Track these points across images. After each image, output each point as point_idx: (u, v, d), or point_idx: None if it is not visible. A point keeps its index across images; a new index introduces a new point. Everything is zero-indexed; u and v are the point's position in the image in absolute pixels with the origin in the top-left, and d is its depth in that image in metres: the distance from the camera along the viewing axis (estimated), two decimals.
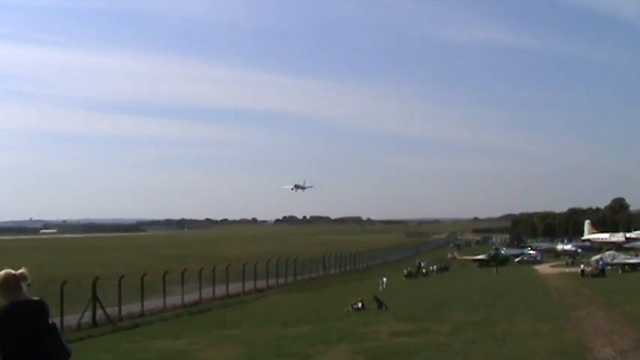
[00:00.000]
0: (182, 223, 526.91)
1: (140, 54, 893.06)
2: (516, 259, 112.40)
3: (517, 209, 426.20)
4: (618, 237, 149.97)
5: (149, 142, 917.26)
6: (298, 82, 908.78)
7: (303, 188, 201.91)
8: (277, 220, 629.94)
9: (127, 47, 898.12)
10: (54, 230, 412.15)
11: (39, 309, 9.01)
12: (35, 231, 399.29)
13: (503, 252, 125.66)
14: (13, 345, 8.71)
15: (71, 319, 37.10)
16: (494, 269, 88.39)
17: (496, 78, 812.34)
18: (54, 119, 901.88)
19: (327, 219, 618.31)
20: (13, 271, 8.96)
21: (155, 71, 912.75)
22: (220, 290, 55.69)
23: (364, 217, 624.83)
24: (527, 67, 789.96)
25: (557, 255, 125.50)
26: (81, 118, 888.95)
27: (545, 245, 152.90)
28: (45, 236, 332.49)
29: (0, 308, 8.87)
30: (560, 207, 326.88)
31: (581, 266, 71.80)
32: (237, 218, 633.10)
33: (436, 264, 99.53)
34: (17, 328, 8.70)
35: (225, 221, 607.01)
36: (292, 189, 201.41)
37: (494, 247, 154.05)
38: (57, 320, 32.74)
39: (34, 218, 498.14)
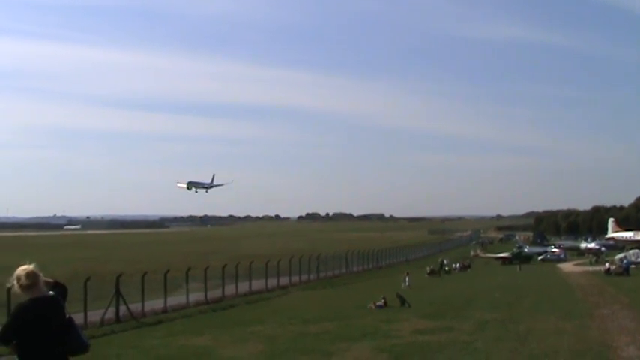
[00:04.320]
0: (205, 220, 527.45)
1: (162, 52, 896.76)
2: (539, 257, 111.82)
3: (540, 207, 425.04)
4: None
5: (173, 139, 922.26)
6: (321, 80, 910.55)
7: (207, 187, 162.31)
8: (300, 217, 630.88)
9: (149, 45, 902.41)
10: (78, 226, 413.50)
11: (55, 304, 9.10)
12: (59, 227, 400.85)
13: (526, 250, 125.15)
14: (32, 340, 8.81)
15: (95, 315, 37.28)
16: (518, 267, 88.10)
17: (520, 75, 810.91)
18: (78, 116, 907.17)
19: (349, 216, 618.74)
20: (31, 267, 9.05)
21: (178, 69, 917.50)
22: (243, 287, 55.75)
23: (387, 215, 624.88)
24: (550, 65, 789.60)
25: (581, 253, 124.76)
26: (104, 115, 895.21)
27: (568, 243, 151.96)
28: (69, 232, 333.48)
29: (19, 304, 8.99)
30: (584, 205, 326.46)
31: (606, 265, 71.40)
32: (260, 215, 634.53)
33: (459, 261, 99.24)
34: (36, 323, 8.80)
35: (248, 218, 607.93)
36: (189, 188, 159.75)
37: (517, 244, 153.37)
38: (80, 316, 33.12)
39: (58, 215, 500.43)
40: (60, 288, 9.36)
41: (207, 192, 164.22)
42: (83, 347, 9.41)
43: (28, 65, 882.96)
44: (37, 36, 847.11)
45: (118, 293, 40.00)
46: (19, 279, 8.93)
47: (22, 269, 9.01)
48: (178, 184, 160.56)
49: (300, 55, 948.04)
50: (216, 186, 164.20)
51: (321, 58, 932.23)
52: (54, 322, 8.96)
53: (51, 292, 9.13)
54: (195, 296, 48.14)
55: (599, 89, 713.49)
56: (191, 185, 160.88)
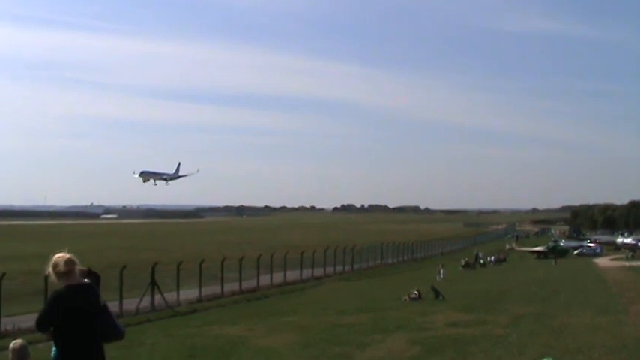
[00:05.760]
0: (241, 210, 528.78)
1: (201, 43, 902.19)
2: (575, 252, 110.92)
3: (576, 201, 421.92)
4: None
5: (208, 129, 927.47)
6: (358, 72, 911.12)
7: (166, 179, 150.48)
8: (335, 209, 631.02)
9: (189, 36, 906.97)
10: (114, 216, 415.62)
11: (91, 291, 9.19)
12: (96, 216, 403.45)
13: (562, 244, 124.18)
14: (68, 327, 8.89)
15: (130, 304, 37.52)
16: (553, 261, 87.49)
17: (556, 68, 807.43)
18: (116, 107, 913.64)
19: (385, 208, 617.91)
20: (69, 255, 9.12)
21: (216, 60, 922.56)
22: (278, 277, 55.84)
23: (422, 207, 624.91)
24: (586, 58, 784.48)
25: (617, 248, 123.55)
26: (142, 105, 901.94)
27: (604, 238, 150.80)
28: (105, 222, 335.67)
29: (56, 291, 9.07)
30: (621, 199, 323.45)
31: None
32: (296, 206, 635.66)
33: (494, 255, 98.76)
34: (72, 311, 8.87)
35: (283, 209, 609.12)
36: (145, 180, 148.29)
37: (552, 238, 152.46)
38: (116, 304, 33.38)
39: (95, 204, 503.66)
40: (93, 276, 9.44)
41: (167, 184, 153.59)
42: (118, 334, 9.51)
43: (68, 56, 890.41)
44: (77, 27, 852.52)
45: (153, 282, 40.24)
46: (56, 265, 9.01)
47: (60, 256, 9.09)
48: (134, 175, 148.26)
49: (337, 47, 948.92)
50: (180, 177, 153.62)
51: (359, 50, 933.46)
52: (90, 310, 9.05)
53: (86, 280, 9.22)
54: (230, 286, 48.29)
55: (638, 82, 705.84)
56: (145, 175, 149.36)
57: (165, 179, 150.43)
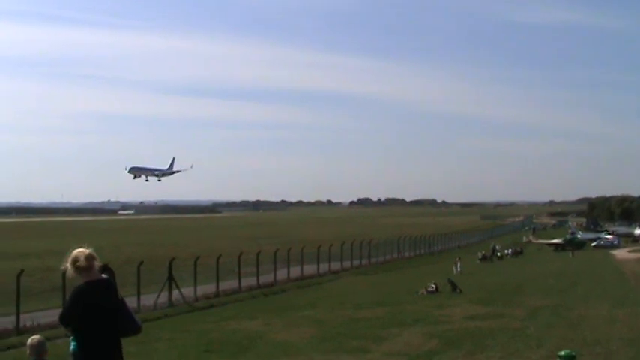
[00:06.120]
0: (257, 205, 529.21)
1: (215, 37, 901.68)
2: (593, 244, 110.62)
3: (593, 193, 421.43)
4: None
5: (225, 124, 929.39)
6: (374, 65, 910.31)
7: (158, 174, 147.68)
8: (352, 203, 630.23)
9: (204, 31, 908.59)
10: (131, 211, 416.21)
11: (109, 286, 9.26)
12: (113, 212, 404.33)
13: (579, 236, 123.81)
14: (88, 322, 8.95)
15: (148, 299, 37.63)
16: (570, 253, 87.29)
17: (573, 60, 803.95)
18: (127, 102, 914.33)
19: (402, 201, 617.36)
20: (89, 250, 9.18)
21: (231, 54, 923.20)
22: (295, 272, 55.88)
23: (439, 200, 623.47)
24: (604, 49, 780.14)
25: (635, 240, 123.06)
26: (154, 101, 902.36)
27: (622, 230, 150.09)
28: (122, 217, 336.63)
29: (77, 287, 9.13)
30: (638, 191, 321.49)
31: None
32: (312, 200, 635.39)
33: (511, 247, 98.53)
34: (92, 306, 8.94)
35: (300, 203, 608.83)
36: (135, 176, 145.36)
37: (570, 230, 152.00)
38: (133, 299, 33.48)
39: (112, 200, 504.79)
40: (108, 272, 9.50)
41: (159, 180, 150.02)
42: (136, 329, 9.58)
43: (77, 52, 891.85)
44: (87, 23, 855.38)
45: (170, 277, 40.34)
46: (76, 261, 9.06)
47: (80, 251, 9.14)
48: (125, 171, 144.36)
49: (355, 40, 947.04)
50: (174, 172, 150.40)
51: (375, 44, 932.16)
52: (109, 305, 9.12)
53: (103, 275, 9.28)
54: (247, 281, 48.36)
55: None
56: (135, 171, 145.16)
57: (156, 175, 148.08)
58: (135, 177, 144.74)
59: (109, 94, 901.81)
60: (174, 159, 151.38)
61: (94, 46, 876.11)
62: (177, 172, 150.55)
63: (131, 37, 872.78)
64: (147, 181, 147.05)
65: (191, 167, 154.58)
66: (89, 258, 9.09)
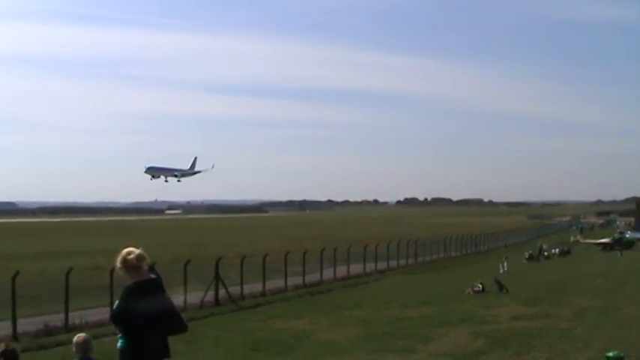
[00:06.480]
0: (304, 204, 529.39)
1: (260, 37, 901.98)
2: None
3: None
4: None
5: (271, 123, 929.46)
6: (420, 63, 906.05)
7: (177, 175, 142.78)
8: (398, 202, 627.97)
9: (246, 30, 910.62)
10: (178, 211, 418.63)
11: (159, 286, 9.36)
12: (160, 212, 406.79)
13: (627, 236, 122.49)
14: (137, 322, 9.05)
15: (194, 298, 37.83)
16: (619, 253, 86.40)
17: (623, 55, 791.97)
18: (175, 102, 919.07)
19: (448, 201, 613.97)
20: (137, 250, 9.29)
21: (275, 54, 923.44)
22: (341, 271, 55.81)
23: (486, 199, 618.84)
24: None
25: None
26: (203, 101, 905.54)
27: None
28: (169, 217, 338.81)
29: (128, 287, 9.26)
30: None
31: None
32: (359, 200, 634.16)
33: (558, 247, 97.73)
34: (141, 307, 9.04)
35: (346, 202, 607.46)
36: (153, 176, 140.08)
37: (618, 230, 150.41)
38: (180, 298, 33.70)
39: (159, 199, 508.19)
40: (153, 273, 9.60)
41: (179, 181, 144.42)
42: (182, 328, 9.69)
43: (125, 53, 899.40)
44: (134, 24, 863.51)
45: (217, 277, 40.49)
46: (126, 261, 9.18)
47: (130, 251, 9.26)
48: (144, 173, 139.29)
49: (401, 39, 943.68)
50: (195, 173, 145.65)
51: (422, 42, 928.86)
52: (158, 304, 9.22)
53: (152, 275, 9.39)
54: (294, 280, 48.39)
55: None
56: (153, 171, 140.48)
57: (175, 175, 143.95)
58: (152, 177, 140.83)
59: (154, 95, 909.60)
60: (195, 158, 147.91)
61: (139, 46, 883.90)
62: (199, 172, 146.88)
63: (178, 38, 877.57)
64: (166, 181, 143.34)
65: (212, 167, 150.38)
66: (139, 258, 9.21)
